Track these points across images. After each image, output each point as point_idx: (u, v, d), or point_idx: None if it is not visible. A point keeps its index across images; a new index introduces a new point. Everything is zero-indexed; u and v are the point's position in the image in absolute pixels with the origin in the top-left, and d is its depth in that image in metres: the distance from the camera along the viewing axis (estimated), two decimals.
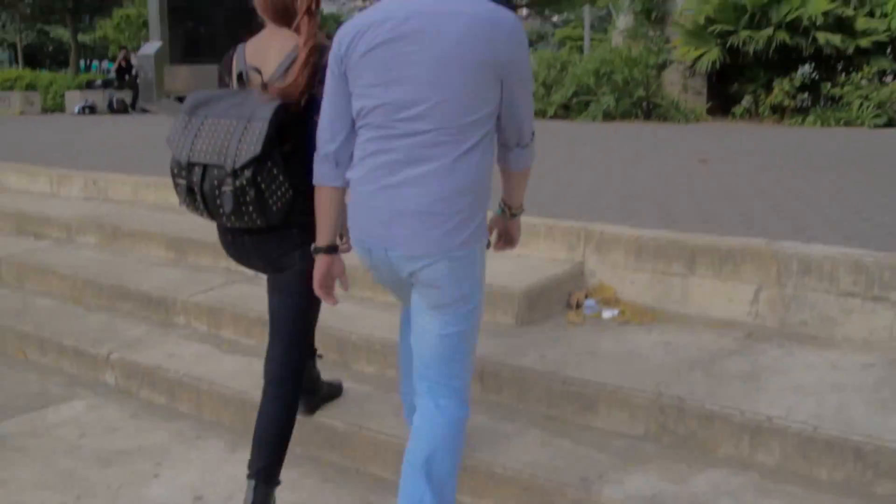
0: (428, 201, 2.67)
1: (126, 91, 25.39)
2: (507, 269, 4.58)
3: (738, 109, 15.12)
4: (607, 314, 4.45)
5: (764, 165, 8.26)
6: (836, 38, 14.07)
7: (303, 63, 2.99)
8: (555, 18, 56.69)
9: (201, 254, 5.91)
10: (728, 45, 14.71)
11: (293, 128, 3.01)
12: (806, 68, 14.74)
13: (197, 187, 2.97)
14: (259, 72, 3.07)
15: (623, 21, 18.07)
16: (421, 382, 2.90)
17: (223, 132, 2.95)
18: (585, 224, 4.82)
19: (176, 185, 3.05)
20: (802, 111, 14.49)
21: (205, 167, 2.96)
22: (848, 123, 13.74)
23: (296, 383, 3.28)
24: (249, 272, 5.53)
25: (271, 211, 2.97)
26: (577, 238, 4.77)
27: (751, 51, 14.50)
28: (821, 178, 7.21)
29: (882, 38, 14.23)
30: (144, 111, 15.38)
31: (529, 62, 2.80)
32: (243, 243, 3.18)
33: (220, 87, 3.20)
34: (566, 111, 16.35)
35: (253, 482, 3.13)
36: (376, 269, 2.85)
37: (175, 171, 3.03)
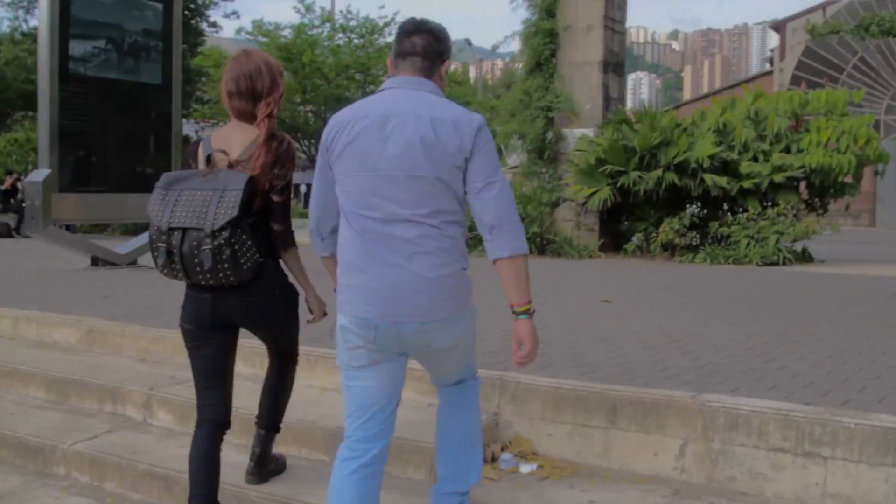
0: (427, 275, 3.01)
1: (10, 214, 24.64)
2: (418, 420, 4.34)
3: (629, 246, 15.32)
4: (525, 469, 4.22)
5: (665, 305, 8.25)
6: (722, 180, 14.45)
7: (264, 149, 3.48)
8: None
9: (85, 397, 5.51)
10: (619, 184, 14.99)
11: (256, 204, 3.49)
12: (693, 208, 15.09)
13: (176, 249, 3.35)
14: (226, 153, 3.52)
15: (514, 159, 18.30)
16: (442, 385, 3.46)
17: (200, 201, 3.36)
18: (500, 373, 4.62)
19: (155, 250, 3.41)
20: (692, 249, 14.77)
21: (184, 231, 3.35)
22: (736, 261, 14.02)
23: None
24: (138, 417, 5.20)
25: (243, 269, 3.37)
26: (492, 388, 4.56)
27: (641, 190, 14.78)
28: (724, 321, 7.20)
29: (763, 181, 14.68)
30: (28, 236, 14.81)
31: (495, 154, 3.14)
32: (227, 302, 3.51)
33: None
34: None
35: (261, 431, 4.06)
36: (375, 344, 3.09)
37: (154, 237, 3.41)
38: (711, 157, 14.53)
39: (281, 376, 4.03)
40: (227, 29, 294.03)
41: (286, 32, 31.01)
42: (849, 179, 15.37)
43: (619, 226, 15.97)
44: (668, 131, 15.13)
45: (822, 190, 15.57)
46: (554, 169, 16.48)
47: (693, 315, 7.58)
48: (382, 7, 31.13)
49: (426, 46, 3.19)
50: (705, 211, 14.99)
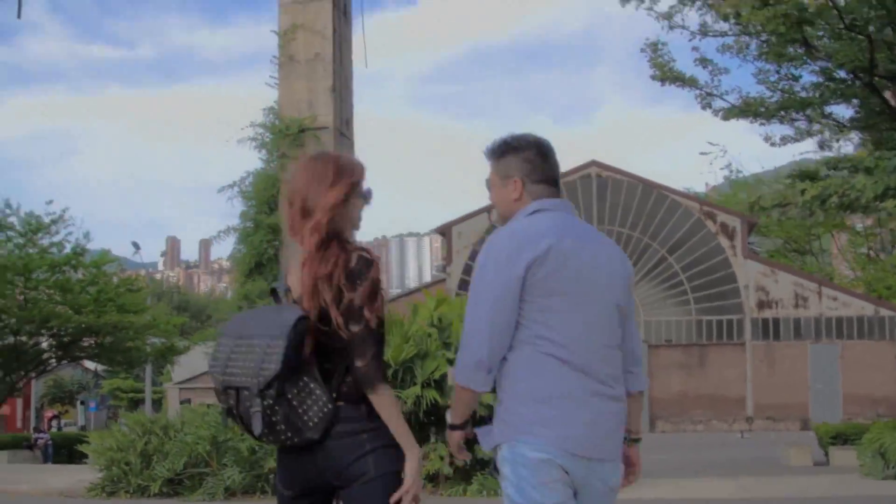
0: (620, 412, 3.24)
1: None
2: None
3: None
4: None
5: None
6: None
7: (309, 269, 3.08)
8: (95, 367, 52.45)
9: None
10: None
11: (335, 339, 3.03)
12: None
13: (234, 410, 3.04)
14: (290, 290, 3.19)
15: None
16: None
17: (253, 353, 3.00)
18: None
19: (224, 411, 3.12)
20: (463, 477, 12.57)
21: (238, 390, 3.01)
22: None
23: None
24: None
25: (307, 427, 3.00)
26: None
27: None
28: None
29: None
30: None
31: None
32: (316, 462, 3.10)
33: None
34: (175, 488, 13.17)
35: None
36: (565, 484, 3.08)
37: (217, 394, 3.11)
38: None
39: None
40: None
41: None
42: None
43: None
44: (423, 341, 13.12)
45: None
46: None
47: None
48: (50, 202, 27.38)
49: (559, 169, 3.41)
50: None
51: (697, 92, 16.42)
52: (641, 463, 3.38)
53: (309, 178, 3.18)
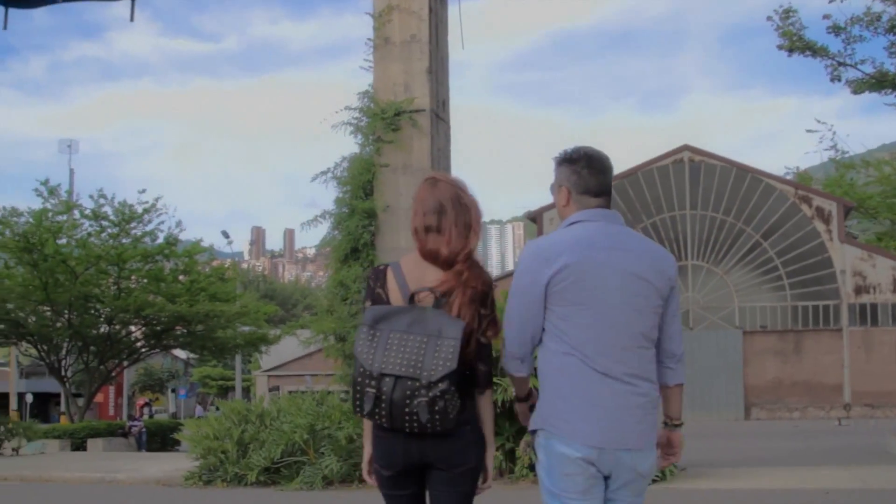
0: (645, 403, 3.56)
1: None
2: None
3: None
4: None
5: None
6: None
7: (466, 287, 3.53)
8: (186, 356, 53.22)
9: None
10: None
11: (467, 350, 3.49)
12: None
13: (386, 396, 3.34)
14: (432, 291, 3.51)
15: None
16: None
17: (414, 347, 3.38)
18: None
19: (363, 394, 3.37)
20: None
21: (396, 378, 3.34)
22: None
23: None
24: None
25: (449, 418, 3.36)
26: None
27: (499, 400, 12.12)
28: None
29: None
30: None
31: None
32: (421, 444, 3.46)
33: (371, 297, 3.61)
34: (272, 476, 13.01)
35: None
36: (586, 477, 3.42)
37: (361, 379, 3.38)
38: None
39: None
40: None
41: (24, 219, 27.01)
42: None
43: None
44: None
45: None
46: None
47: None
48: (143, 191, 27.56)
49: (610, 184, 3.65)
50: None
51: (829, 62, 15.57)
52: (681, 446, 3.70)
53: (444, 205, 3.64)
